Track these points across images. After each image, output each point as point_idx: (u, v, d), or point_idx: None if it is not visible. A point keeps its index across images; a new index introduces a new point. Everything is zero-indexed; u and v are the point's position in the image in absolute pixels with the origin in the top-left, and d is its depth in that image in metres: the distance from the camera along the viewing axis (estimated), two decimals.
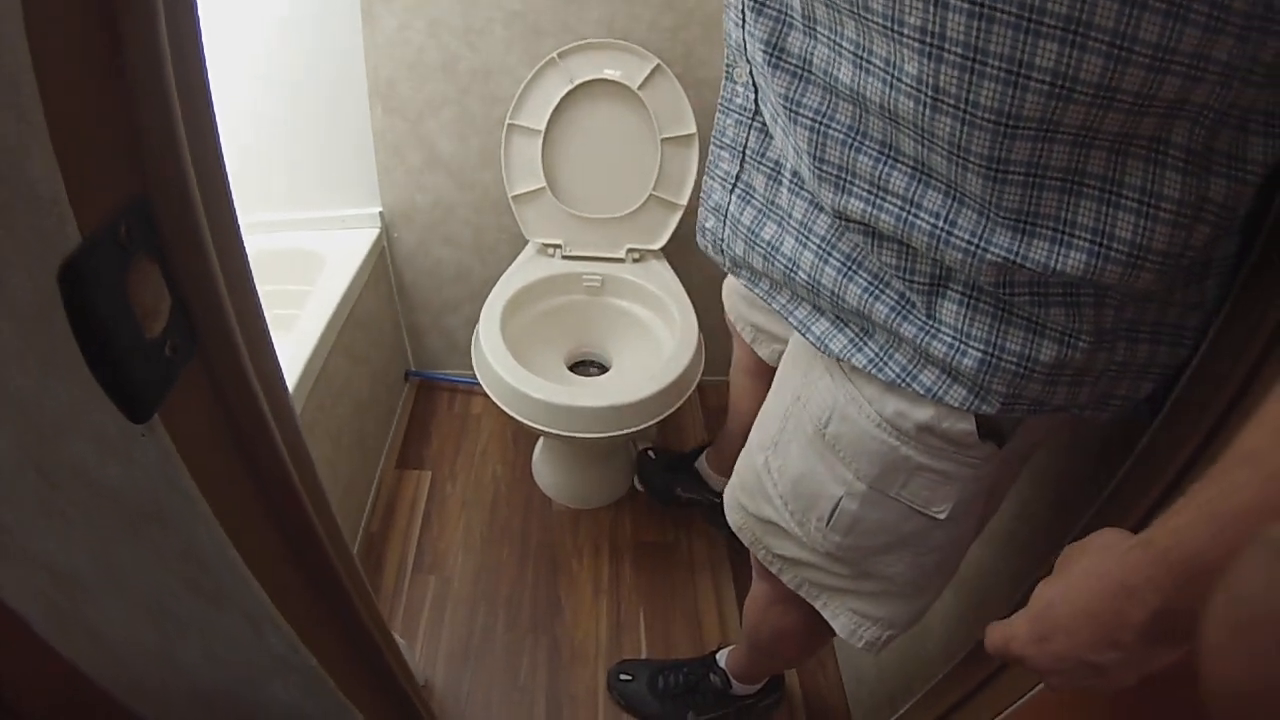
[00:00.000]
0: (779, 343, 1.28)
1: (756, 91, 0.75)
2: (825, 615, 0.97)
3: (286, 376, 1.39)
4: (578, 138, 1.73)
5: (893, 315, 0.69)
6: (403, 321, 2.23)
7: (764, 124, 0.76)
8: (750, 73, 0.75)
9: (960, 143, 0.56)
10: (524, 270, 1.81)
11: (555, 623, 1.73)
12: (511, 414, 1.51)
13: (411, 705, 0.87)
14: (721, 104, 0.81)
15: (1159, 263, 0.56)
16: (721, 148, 0.83)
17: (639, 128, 1.69)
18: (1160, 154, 0.53)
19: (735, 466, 1.03)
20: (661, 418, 1.52)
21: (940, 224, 0.61)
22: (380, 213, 2.00)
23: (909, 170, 0.62)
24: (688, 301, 1.72)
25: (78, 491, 0.40)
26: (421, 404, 2.28)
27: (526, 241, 1.88)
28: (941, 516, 0.77)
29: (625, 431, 1.50)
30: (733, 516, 1.04)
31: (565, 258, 1.84)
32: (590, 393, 1.50)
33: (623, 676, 1.59)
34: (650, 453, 1.93)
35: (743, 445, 1.01)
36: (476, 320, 1.70)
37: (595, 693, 1.61)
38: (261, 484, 0.47)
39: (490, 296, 1.72)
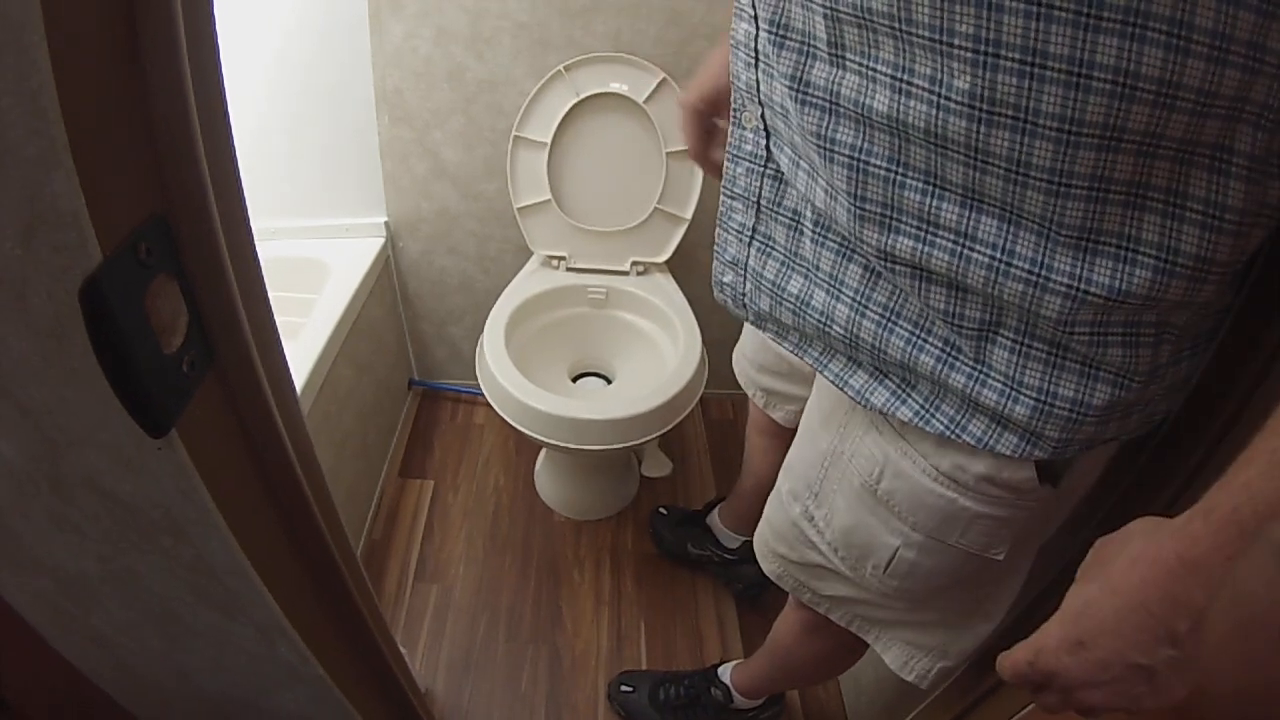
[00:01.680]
0: (793, 403, 1.27)
1: (768, 137, 0.72)
2: (877, 648, 0.95)
3: (294, 374, 1.39)
4: (583, 150, 1.74)
5: (939, 365, 0.66)
6: (407, 331, 2.24)
7: (777, 170, 0.73)
8: (761, 116, 0.71)
9: (1020, 158, 0.53)
10: (529, 282, 1.82)
11: (556, 633, 1.74)
12: (515, 425, 1.52)
13: (415, 714, 0.88)
14: (730, 152, 0.77)
15: (1220, 274, 0.54)
16: (733, 198, 0.78)
17: (644, 141, 1.70)
18: (1224, 163, 0.51)
19: (764, 515, 1.01)
20: (664, 431, 1.53)
21: (999, 255, 0.58)
22: (386, 222, 2.01)
23: (959, 199, 0.58)
24: (691, 315, 1.72)
25: (91, 503, 0.41)
26: (425, 413, 2.29)
27: (531, 253, 1.89)
28: (1000, 558, 0.76)
29: (627, 444, 1.50)
30: (769, 566, 1.02)
31: (570, 270, 1.85)
32: (593, 405, 1.50)
33: (624, 688, 1.59)
34: (662, 510, 1.92)
35: (757, 502, 0.99)
36: (480, 330, 1.71)
37: (595, 703, 1.62)
38: (273, 496, 0.47)
39: (495, 308, 1.73)
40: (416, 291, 2.16)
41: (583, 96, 1.66)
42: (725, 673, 1.51)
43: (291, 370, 1.14)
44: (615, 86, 1.66)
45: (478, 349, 1.68)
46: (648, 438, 1.51)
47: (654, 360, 1.76)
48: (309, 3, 1.70)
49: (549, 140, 1.70)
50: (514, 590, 1.82)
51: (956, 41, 0.50)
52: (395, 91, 1.82)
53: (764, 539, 1.01)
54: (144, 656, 0.57)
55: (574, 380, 1.87)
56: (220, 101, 0.40)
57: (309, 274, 1.91)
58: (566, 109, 1.67)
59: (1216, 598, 0.42)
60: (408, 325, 2.23)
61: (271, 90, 1.80)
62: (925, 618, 0.89)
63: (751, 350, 1.32)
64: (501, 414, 1.54)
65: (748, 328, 1.32)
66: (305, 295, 1.86)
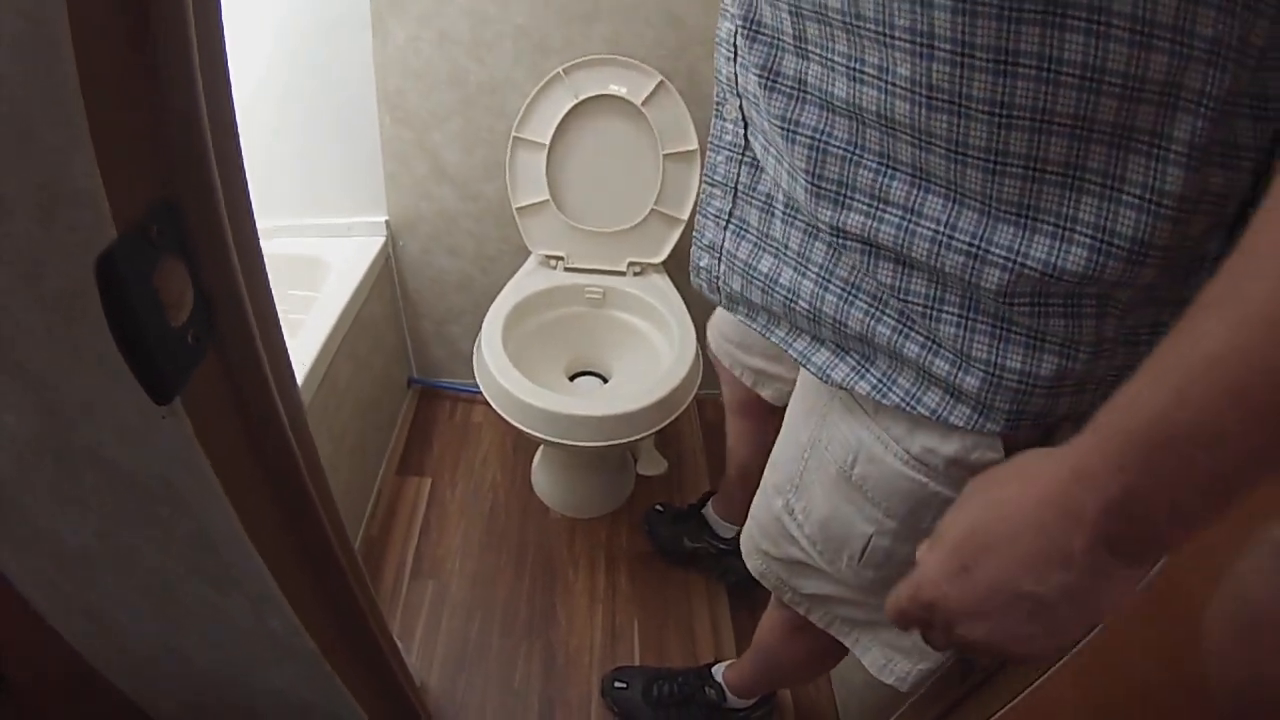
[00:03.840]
0: (783, 383, 1.28)
1: (746, 126, 0.76)
2: (855, 651, 0.96)
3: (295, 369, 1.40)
4: (582, 152, 1.76)
5: (895, 335, 0.68)
6: (406, 329, 2.26)
7: (754, 158, 0.77)
8: (740, 107, 0.76)
9: (958, 139, 0.56)
10: (526, 281, 1.84)
11: (550, 630, 1.75)
12: (512, 422, 1.54)
13: (406, 698, 0.89)
14: (712, 141, 0.82)
15: (1160, 258, 0.55)
16: (713, 185, 0.83)
17: (642, 143, 1.72)
18: (1161, 149, 0.51)
19: (750, 512, 1.02)
20: (659, 428, 1.55)
21: (942, 229, 0.60)
22: (386, 221, 2.03)
23: (908, 178, 0.61)
24: (687, 315, 1.74)
25: (93, 476, 0.43)
26: (423, 411, 2.31)
27: (529, 253, 1.91)
28: None
29: (623, 440, 1.52)
30: (753, 563, 1.03)
31: (567, 270, 1.87)
32: (589, 402, 1.52)
33: (617, 684, 1.61)
34: (659, 507, 1.94)
35: (743, 489, 0.99)
36: (478, 329, 1.73)
37: (589, 699, 1.63)
38: (270, 469, 0.49)
39: (493, 307, 1.75)
40: (416, 290, 2.18)
41: (581, 98, 1.68)
42: (719, 672, 1.52)
43: (291, 363, 1.16)
44: (613, 89, 1.69)
45: (475, 347, 1.70)
46: (643, 434, 1.53)
47: (650, 359, 1.78)
48: (312, 3, 1.73)
49: (548, 141, 1.72)
50: (509, 587, 1.83)
51: (897, 34, 0.54)
52: (397, 92, 1.84)
53: (750, 535, 1.02)
54: (138, 633, 0.59)
55: (571, 379, 1.89)
56: (227, 95, 0.42)
57: (310, 272, 1.93)
58: (565, 110, 1.70)
59: (1110, 516, 0.43)
60: (407, 323, 2.25)
61: (274, 89, 1.82)
62: None
63: (735, 331, 1.33)
64: (499, 411, 1.56)
65: (716, 312, 1.33)
66: (306, 293, 1.88)
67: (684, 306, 1.77)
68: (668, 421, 1.55)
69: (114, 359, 0.36)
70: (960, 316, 0.64)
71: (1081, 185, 0.55)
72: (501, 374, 1.55)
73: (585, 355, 1.91)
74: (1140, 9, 0.46)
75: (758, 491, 0.99)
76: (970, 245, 0.59)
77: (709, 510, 1.82)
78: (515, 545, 1.93)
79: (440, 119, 1.87)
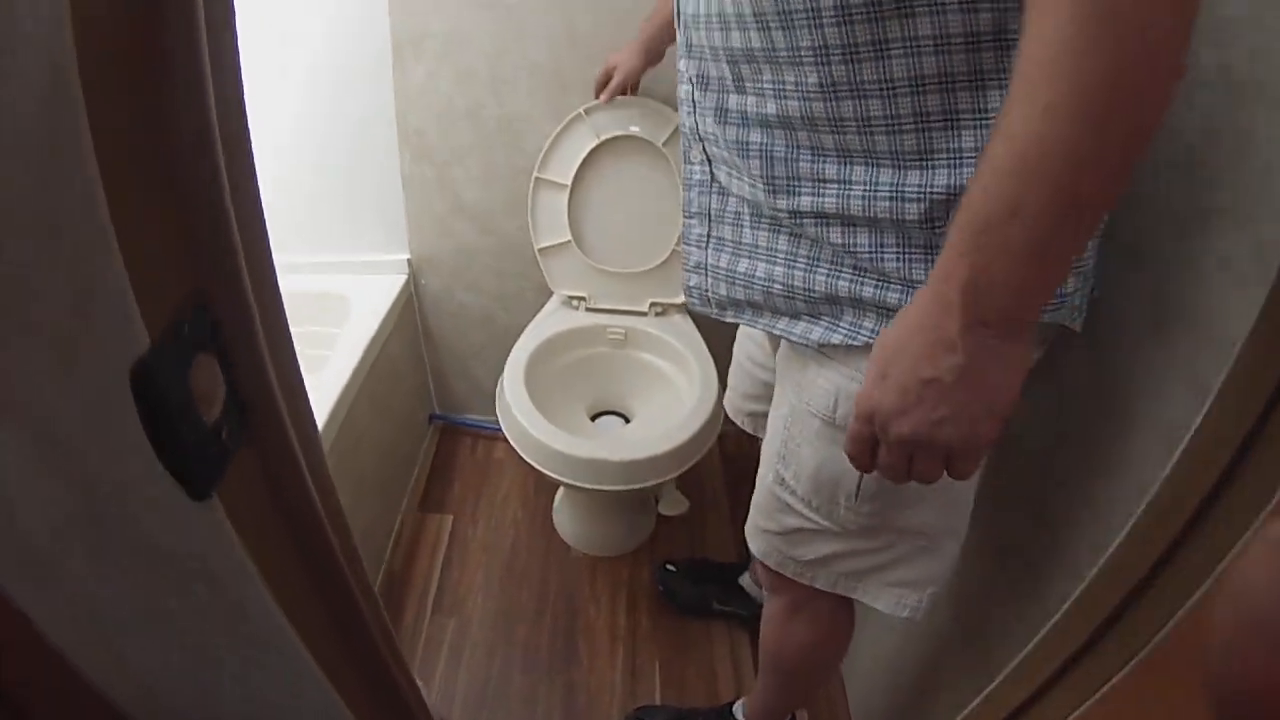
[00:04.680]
0: None
1: (710, 163, 0.94)
2: (866, 600, 1.02)
3: (315, 417, 1.42)
4: (603, 192, 1.78)
5: (853, 285, 0.83)
6: (428, 365, 2.28)
7: (720, 187, 0.94)
8: (703, 149, 0.93)
9: (863, 116, 0.74)
10: (549, 322, 1.85)
11: (572, 668, 1.75)
12: (535, 465, 1.54)
13: None
14: (684, 183, 0.99)
15: None
16: (691, 217, 0.99)
17: (663, 183, 1.73)
18: (1006, 79, 0.65)
19: (752, 500, 1.09)
20: (680, 471, 1.55)
21: (868, 188, 0.77)
22: (408, 260, 2.06)
23: (835, 158, 0.79)
24: (708, 356, 1.75)
25: (130, 549, 0.44)
26: (445, 447, 2.32)
27: (551, 291, 1.93)
28: None
29: (644, 485, 1.53)
30: (756, 544, 1.09)
31: (589, 310, 1.88)
32: (611, 446, 1.53)
33: None
34: (670, 566, 1.92)
35: None
36: (500, 366, 1.74)
37: None
38: (303, 549, 0.50)
39: (515, 348, 1.77)
40: (438, 327, 2.20)
41: (602, 139, 1.70)
42: (740, 709, 1.52)
43: (315, 404, 1.18)
44: (634, 129, 1.70)
45: (498, 388, 1.71)
46: (665, 479, 1.54)
47: (672, 400, 1.79)
48: (334, 42, 1.77)
49: (569, 182, 1.75)
50: (530, 625, 1.84)
51: (803, 54, 0.73)
52: (417, 131, 1.87)
53: (752, 522, 1.10)
54: (172, 687, 0.60)
55: (593, 419, 1.90)
56: (254, 190, 0.43)
57: (332, 308, 1.95)
58: (586, 151, 1.72)
59: (967, 296, 0.59)
60: (428, 360, 2.27)
61: (297, 126, 1.87)
62: (904, 550, 0.96)
63: (735, 383, 1.38)
64: (521, 453, 1.57)
65: (732, 371, 1.39)
66: (328, 329, 1.91)
67: (705, 346, 1.78)
68: (690, 464, 1.56)
69: (148, 452, 0.37)
70: (898, 252, 0.79)
71: (959, 124, 0.71)
72: (524, 416, 1.56)
73: (607, 395, 1.92)
74: None
75: (756, 485, 1.08)
76: (891, 192, 0.76)
77: (747, 580, 1.81)
78: (537, 583, 1.93)
79: (460, 156, 1.90)
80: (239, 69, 0.41)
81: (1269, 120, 0.69)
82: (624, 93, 1.61)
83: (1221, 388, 0.70)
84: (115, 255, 0.33)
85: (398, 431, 2.05)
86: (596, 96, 1.63)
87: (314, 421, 0.51)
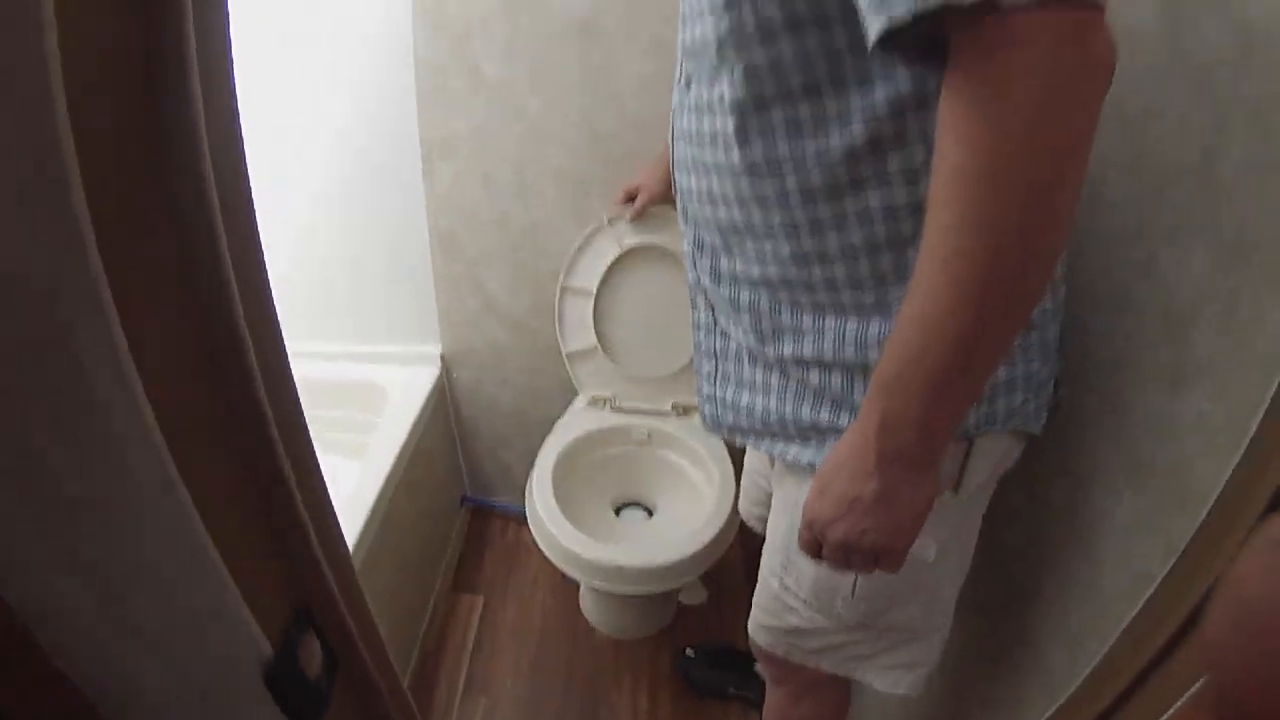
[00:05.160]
0: None
1: (712, 310, 1.03)
2: (867, 680, 1.12)
3: (357, 508, 1.53)
4: (627, 297, 1.88)
5: (832, 417, 0.92)
6: (460, 450, 2.38)
7: (723, 330, 1.03)
8: (705, 297, 1.03)
9: (830, 279, 0.84)
10: (576, 421, 1.95)
11: None
12: (561, 568, 1.64)
13: None
14: (693, 325, 1.09)
15: None
16: (701, 355, 1.09)
17: (683, 290, 1.78)
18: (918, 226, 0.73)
19: (754, 599, 1.19)
20: (698, 574, 1.64)
21: (837, 336, 0.87)
22: (441, 354, 2.17)
23: (810, 312, 0.89)
24: (726, 457, 1.82)
25: None
26: (476, 528, 2.43)
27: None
28: (930, 559, 0.92)
29: (666, 587, 1.62)
30: (763, 639, 1.19)
31: (614, 410, 1.98)
32: (630, 552, 1.61)
33: None
34: (689, 652, 2.00)
35: None
36: (529, 454, 1.83)
37: None
38: None
39: (543, 450, 1.86)
40: (470, 416, 2.30)
41: (626, 249, 1.81)
42: None
43: (356, 492, 1.33)
44: (655, 239, 1.80)
45: (527, 489, 1.81)
46: (682, 581, 1.63)
47: (693, 498, 1.87)
48: (370, 140, 1.90)
49: (594, 289, 1.85)
50: (557, 708, 1.92)
51: (776, 229, 0.85)
52: (448, 232, 1.97)
53: (754, 620, 1.19)
54: None
55: (617, 511, 1.99)
56: (338, 534, 0.54)
57: (369, 396, 2.07)
58: (610, 261, 1.82)
59: (881, 437, 0.71)
60: (461, 446, 2.37)
61: (337, 224, 1.99)
62: (894, 639, 1.07)
63: (746, 489, 1.50)
64: (549, 556, 1.66)
65: (744, 478, 1.52)
66: (366, 416, 2.02)
67: (724, 448, 1.86)
68: (706, 568, 1.65)
69: (275, 708, 0.48)
70: (866, 388, 0.84)
71: (910, 279, 0.75)
72: (552, 522, 1.65)
73: (631, 490, 2.01)
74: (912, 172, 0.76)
75: (757, 586, 1.17)
76: (856, 340, 0.86)
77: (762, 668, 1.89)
78: (564, 668, 2.02)
79: (489, 258, 1.99)
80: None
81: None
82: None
83: (1187, 547, 0.77)
84: (234, 592, 0.43)
85: (432, 514, 2.15)
86: (625, 200, 1.75)
87: (386, 656, 0.62)
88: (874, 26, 0.60)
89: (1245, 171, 0.75)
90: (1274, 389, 0.69)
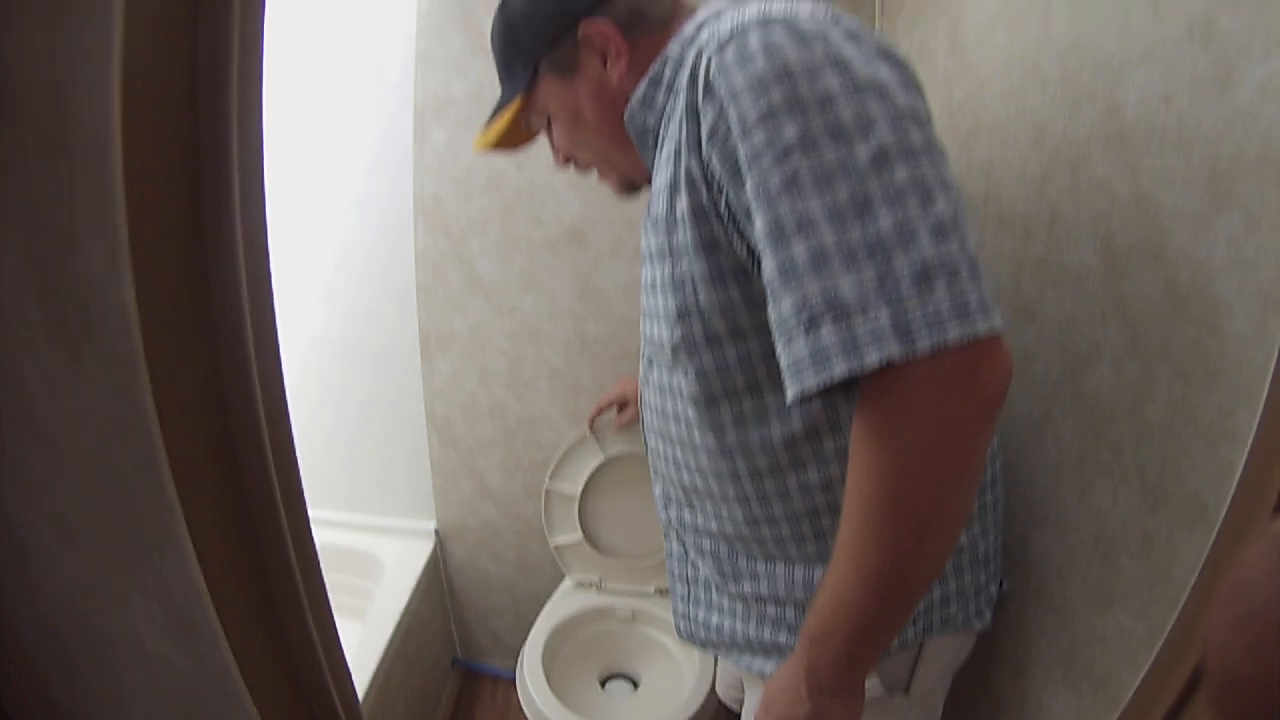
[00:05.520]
0: None
1: (684, 544, 1.15)
2: None
3: (359, 671, 1.65)
4: (611, 499, 2.03)
5: (788, 639, 1.03)
6: (451, 617, 2.46)
7: (693, 561, 1.14)
8: (678, 534, 1.14)
9: (778, 535, 0.97)
10: (564, 603, 2.07)
11: None
12: None
13: None
14: (666, 556, 1.20)
15: None
16: (674, 578, 1.20)
17: None
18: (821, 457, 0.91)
19: None
20: None
21: (789, 579, 1.00)
22: (436, 530, 2.30)
23: (762, 559, 1.02)
24: None
25: None
26: (467, 690, 2.50)
27: None
28: None
29: None
30: None
31: (599, 591, 2.10)
32: None
33: None
34: None
35: None
36: (519, 623, 1.96)
37: None
38: None
39: (533, 630, 1.97)
40: (462, 587, 2.40)
41: (609, 457, 1.97)
42: None
43: (355, 656, 1.46)
44: (638, 449, 1.94)
45: (518, 667, 1.91)
46: None
47: (675, 673, 1.98)
48: (371, 330, 2.06)
49: (578, 493, 2.00)
50: None
51: (730, 496, 0.97)
52: (444, 420, 2.11)
53: None
54: None
55: (603, 682, 2.09)
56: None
57: (366, 565, 2.20)
58: (594, 468, 1.98)
59: (810, 674, 0.83)
60: (453, 613, 2.46)
61: (340, 408, 2.14)
62: None
63: (722, 673, 1.62)
64: None
65: (719, 662, 1.64)
66: (364, 582, 2.15)
67: None
68: None
69: None
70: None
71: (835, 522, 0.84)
72: (543, 704, 1.76)
73: (617, 663, 2.11)
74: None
75: None
76: (804, 583, 0.98)
77: None
78: None
79: (484, 446, 2.13)
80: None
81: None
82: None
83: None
84: None
85: (425, 677, 2.23)
86: (596, 415, 1.89)
87: None
88: (790, 390, 0.70)
89: (1172, 415, 0.82)
90: (1177, 613, 0.80)
